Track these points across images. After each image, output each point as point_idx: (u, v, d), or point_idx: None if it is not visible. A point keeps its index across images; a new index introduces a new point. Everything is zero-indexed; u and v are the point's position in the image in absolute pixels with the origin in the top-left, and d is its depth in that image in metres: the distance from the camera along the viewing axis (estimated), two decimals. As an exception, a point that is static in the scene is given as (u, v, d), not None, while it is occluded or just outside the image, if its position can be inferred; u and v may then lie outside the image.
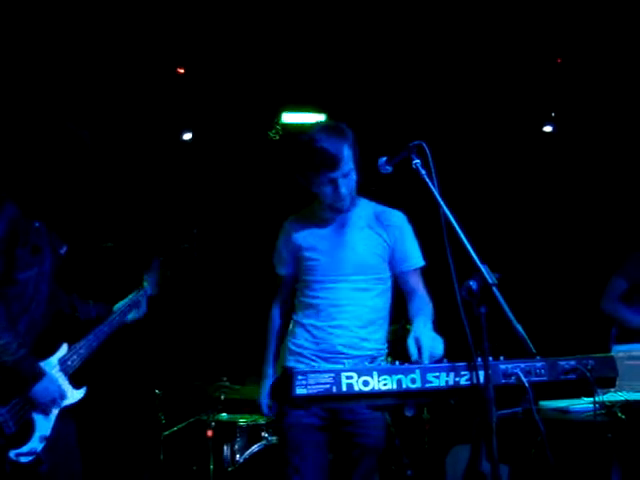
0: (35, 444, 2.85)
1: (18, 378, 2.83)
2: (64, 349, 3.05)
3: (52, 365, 2.99)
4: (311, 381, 2.06)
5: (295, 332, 3.09)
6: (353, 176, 3.00)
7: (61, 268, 3.10)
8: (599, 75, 5.71)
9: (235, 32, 5.27)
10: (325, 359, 2.93)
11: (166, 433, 4.72)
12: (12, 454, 2.80)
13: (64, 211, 3.08)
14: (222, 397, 4.68)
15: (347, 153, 2.95)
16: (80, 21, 4.93)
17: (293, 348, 3.07)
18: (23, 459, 2.81)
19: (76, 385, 3.08)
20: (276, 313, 3.24)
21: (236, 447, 4.65)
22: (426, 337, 2.58)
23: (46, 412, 2.91)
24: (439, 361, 2.41)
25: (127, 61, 5.31)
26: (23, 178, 2.96)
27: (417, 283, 3.09)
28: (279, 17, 5.15)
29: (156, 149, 5.81)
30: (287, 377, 2.10)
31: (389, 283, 3.12)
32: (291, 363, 3.04)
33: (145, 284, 3.44)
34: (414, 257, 3.11)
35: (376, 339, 3.06)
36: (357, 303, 3.03)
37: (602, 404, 2.62)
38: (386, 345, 3.13)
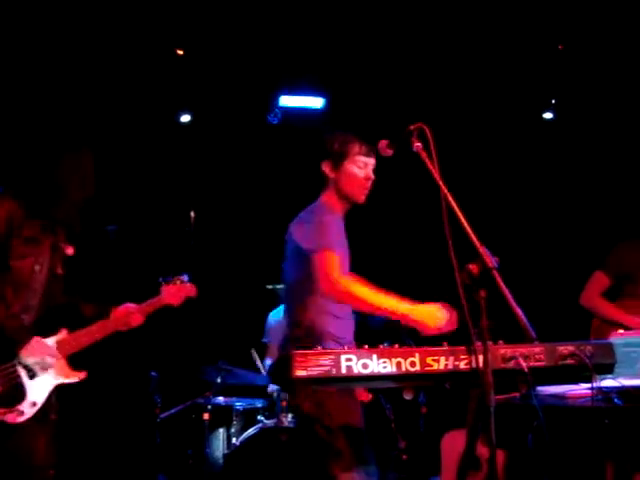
0: (25, 408, 2.98)
1: (9, 341, 2.99)
2: (63, 333, 3.18)
3: (49, 342, 3.13)
4: (311, 363, 2.05)
5: (335, 324, 3.05)
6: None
7: (70, 267, 3.26)
8: (600, 62, 5.68)
9: (235, 13, 5.23)
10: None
11: (163, 416, 4.72)
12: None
13: (69, 210, 3.20)
14: (219, 380, 4.69)
15: None
16: (78, 2, 4.89)
17: (335, 341, 3.01)
18: (9, 418, 2.94)
19: (76, 368, 3.21)
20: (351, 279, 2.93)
21: (232, 430, 4.67)
22: None
23: (37, 374, 3.03)
24: None
25: (126, 42, 5.26)
26: (27, 179, 3.15)
27: None
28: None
29: (154, 131, 5.77)
30: (287, 359, 2.09)
31: None
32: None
33: (162, 293, 3.47)
34: None
35: None
36: None
37: (599, 390, 2.61)
38: None
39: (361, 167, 3.16)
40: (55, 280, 3.20)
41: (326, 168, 3.20)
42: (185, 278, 3.52)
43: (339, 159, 3.17)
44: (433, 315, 2.76)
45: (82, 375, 3.20)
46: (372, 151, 3.15)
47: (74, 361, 3.25)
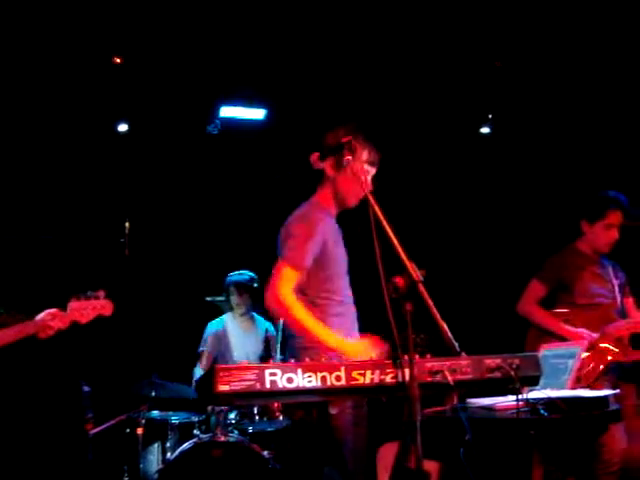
0: None
1: None
2: None
3: None
4: (234, 378, 2.03)
5: (339, 324, 2.95)
6: None
7: None
8: (537, 79, 5.81)
9: (174, 22, 5.18)
10: None
11: (95, 431, 4.61)
12: None
13: None
14: (153, 394, 4.60)
15: None
16: (15, 7, 4.79)
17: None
18: None
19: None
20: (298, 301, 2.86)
21: (167, 445, 4.59)
22: None
23: None
24: None
25: (63, 49, 5.17)
26: None
27: None
28: (217, 7, 5.09)
29: (91, 140, 5.67)
30: (210, 373, 2.06)
31: None
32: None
33: (68, 308, 3.32)
34: None
35: None
36: None
37: (526, 401, 2.65)
38: None
39: (363, 174, 3.01)
40: None
41: (327, 165, 3.10)
42: (100, 294, 3.33)
43: (343, 160, 2.97)
44: (361, 352, 2.68)
45: None
46: (377, 161, 3.10)
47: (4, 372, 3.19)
